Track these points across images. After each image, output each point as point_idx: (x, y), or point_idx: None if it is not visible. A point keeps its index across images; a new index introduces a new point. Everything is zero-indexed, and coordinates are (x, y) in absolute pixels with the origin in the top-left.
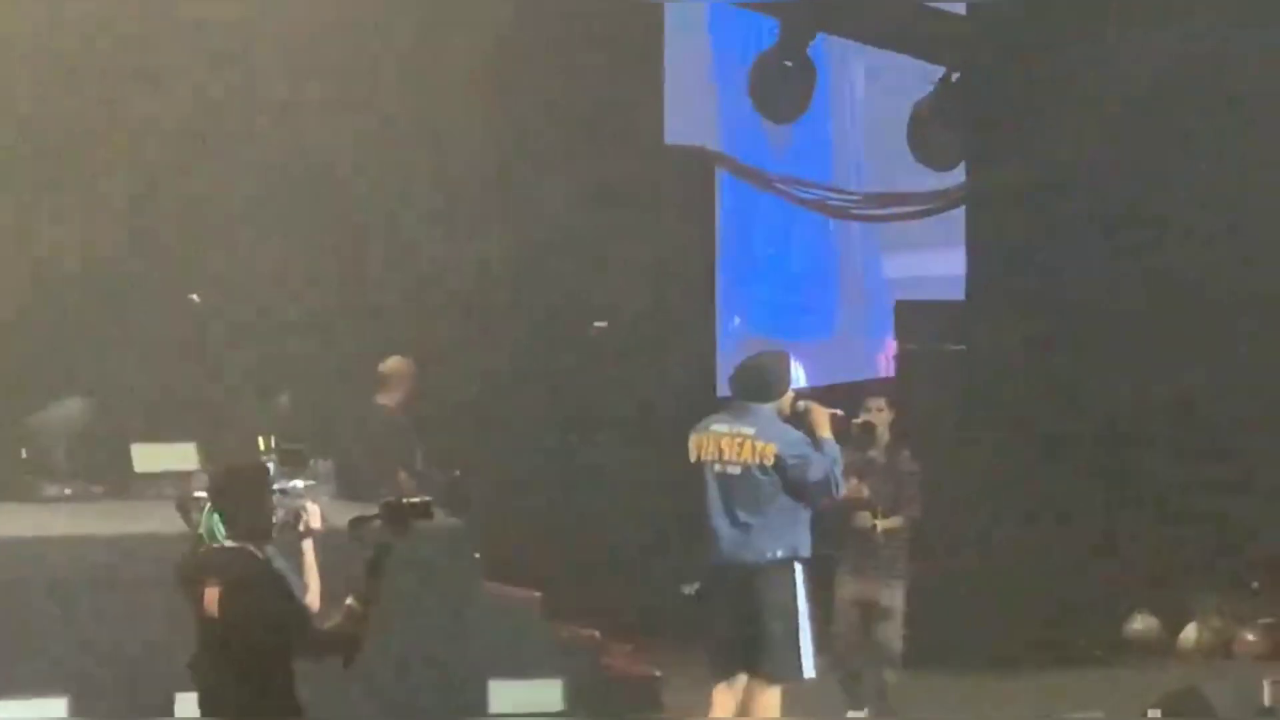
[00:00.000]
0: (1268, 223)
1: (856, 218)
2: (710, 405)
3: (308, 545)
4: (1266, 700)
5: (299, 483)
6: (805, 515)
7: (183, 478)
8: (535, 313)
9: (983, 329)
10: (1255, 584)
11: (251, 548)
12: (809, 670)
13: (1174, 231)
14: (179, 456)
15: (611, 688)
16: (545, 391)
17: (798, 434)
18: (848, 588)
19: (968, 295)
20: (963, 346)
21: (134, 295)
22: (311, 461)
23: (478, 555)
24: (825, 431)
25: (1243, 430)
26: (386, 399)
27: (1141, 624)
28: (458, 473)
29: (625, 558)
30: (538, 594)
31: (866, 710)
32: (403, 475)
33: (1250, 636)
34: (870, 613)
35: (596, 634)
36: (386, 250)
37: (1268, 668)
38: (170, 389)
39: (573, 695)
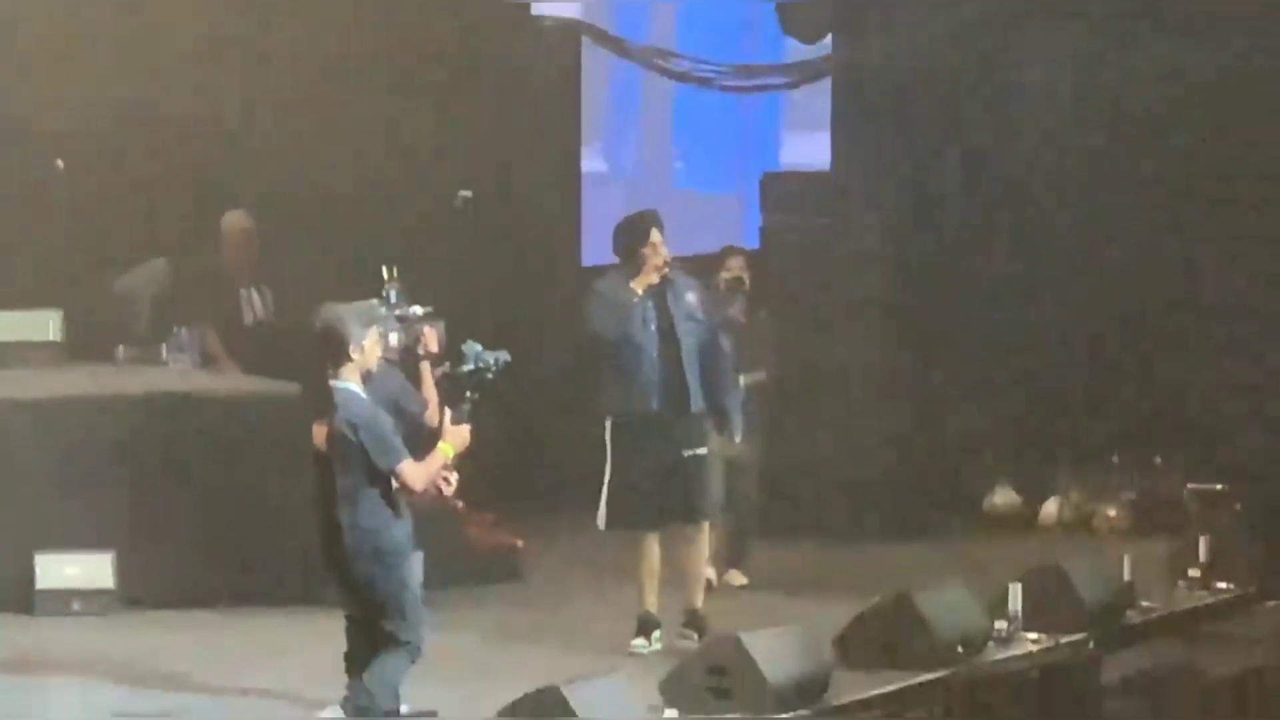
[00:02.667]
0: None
1: (724, 89)
2: (574, 273)
3: (425, 366)
4: (1127, 575)
5: (417, 309)
6: (616, 375)
7: None
8: (403, 181)
9: (848, 203)
10: (1115, 458)
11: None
12: (601, 521)
13: (1037, 106)
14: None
15: (473, 558)
16: (415, 264)
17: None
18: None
19: (834, 169)
20: (828, 220)
21: None
22: None
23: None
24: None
25: (1104, 303)
26: (228, 255)
27: (1002, 498)
28: None
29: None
30: None
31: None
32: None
33: (1111, 511)
34: (729, 469)
35: (459, 504)
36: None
37: (1128, 542)
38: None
39: (433, 566)
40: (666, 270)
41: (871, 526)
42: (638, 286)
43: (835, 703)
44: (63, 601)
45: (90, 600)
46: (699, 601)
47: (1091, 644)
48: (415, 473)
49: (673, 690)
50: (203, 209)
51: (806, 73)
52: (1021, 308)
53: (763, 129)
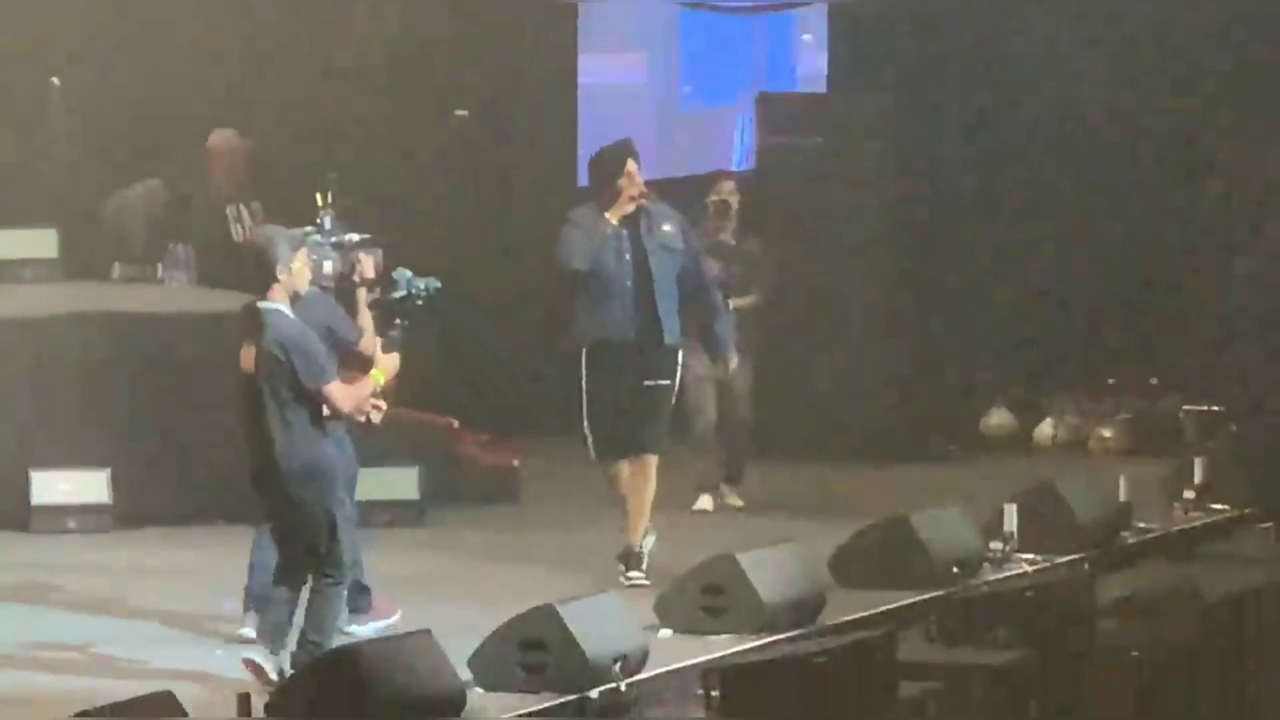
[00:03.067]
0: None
1: (717, 9)
2: (571, 194)
3: (361, 293)
4: (1122, 496)
5: (354, 235)
6: (590, 305)
7: None
8: (399, 102)
9: (843, 123)
10: (1111, 380)
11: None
12: (592, 452)
13: (1040, 26)
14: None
15: (470, 477)
16: (411, 184)
17: None
18: (697, 367)
19: (830, 89)
20: (820, 139)
21: None
22: None
23: None
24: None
25: (1103, 226)
26: (216, 173)
27: (997, 419)
28: None
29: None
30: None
31: (718, 494)
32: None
33: (1106, 433)
34: (722, 392)
35: (454, 422)
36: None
37: (1124, 463)
38: None
39: (428, 483)
40: (643, 200)
41: (867, 448)
42: (613, 217)
43: (830, 622)
44: (58, 518)
45: (86, 517)
46: (638, 537)
47: (1087, 564)
48: (343, 395)
49: (668, 609)
50: (200, 128)
51: None
52: (1019, 229)
53: (775, 48)
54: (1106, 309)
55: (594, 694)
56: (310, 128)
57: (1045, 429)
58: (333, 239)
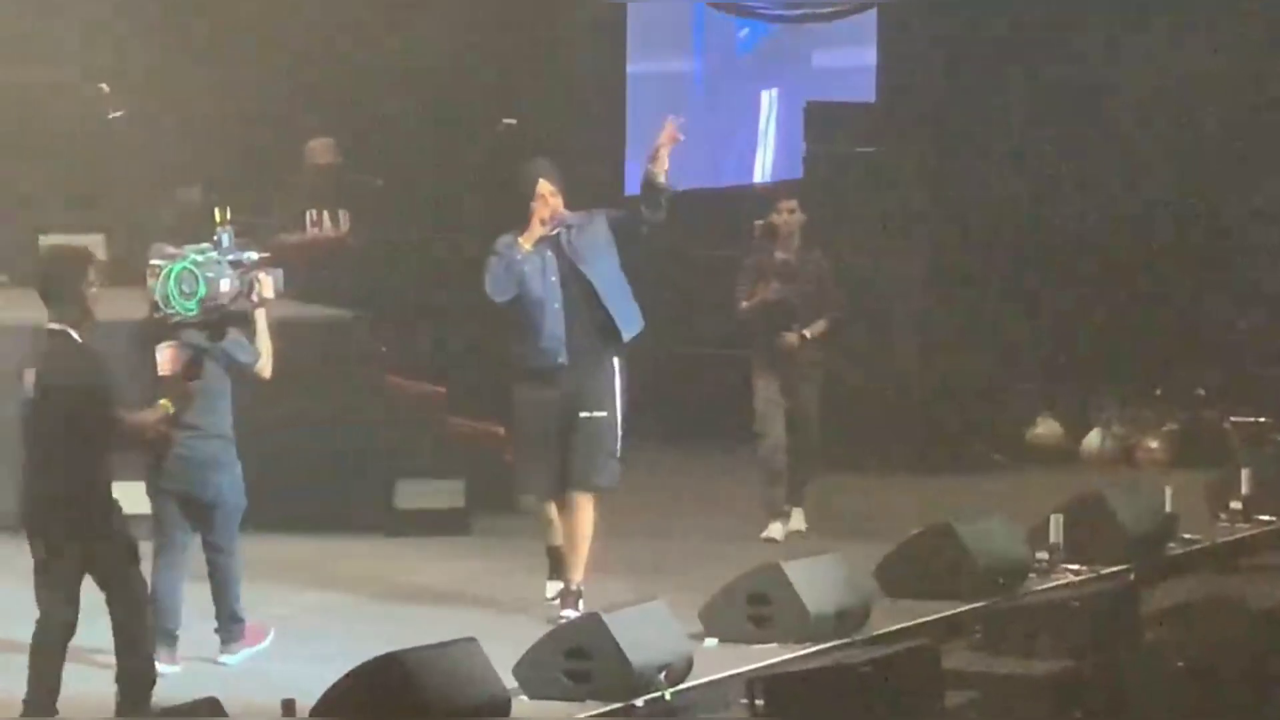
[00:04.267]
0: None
1: (763, 17)
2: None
3: (260, 314)
4: (1168, 507)
5: (252, 253)
6: (520, 332)
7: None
8: (446, 109)
9: (893, 132)
10: (1158, 390)
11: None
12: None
13: (1085, 32)
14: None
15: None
16: (457, 189)
17: None
18: (768, 390)
19: (879, 97)
20: (871, 149)
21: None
22: None
23: (384, 349)
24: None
25: (1151, 235)
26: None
27: (1044, 429)
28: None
29: None
30: (441, 389)
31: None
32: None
33: (1153, 444)
34: (790, 416)
35: (500, 430)
36: (308, 41)
37: (1170, 474)
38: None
39: (475, 493)
40: (558, 219)
41: (914, 457)
42: (525, 243)
43: (876, 632)
44: None
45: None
46: (577, 576)
47: (1132, 575)
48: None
49: (713, 618)
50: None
51: (854, 2)
52: (1067, 239)
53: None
54: (1154, 319)
55: (639, 703)
56: (355, 136)
57: (1092, 439)
58: (230, 257)
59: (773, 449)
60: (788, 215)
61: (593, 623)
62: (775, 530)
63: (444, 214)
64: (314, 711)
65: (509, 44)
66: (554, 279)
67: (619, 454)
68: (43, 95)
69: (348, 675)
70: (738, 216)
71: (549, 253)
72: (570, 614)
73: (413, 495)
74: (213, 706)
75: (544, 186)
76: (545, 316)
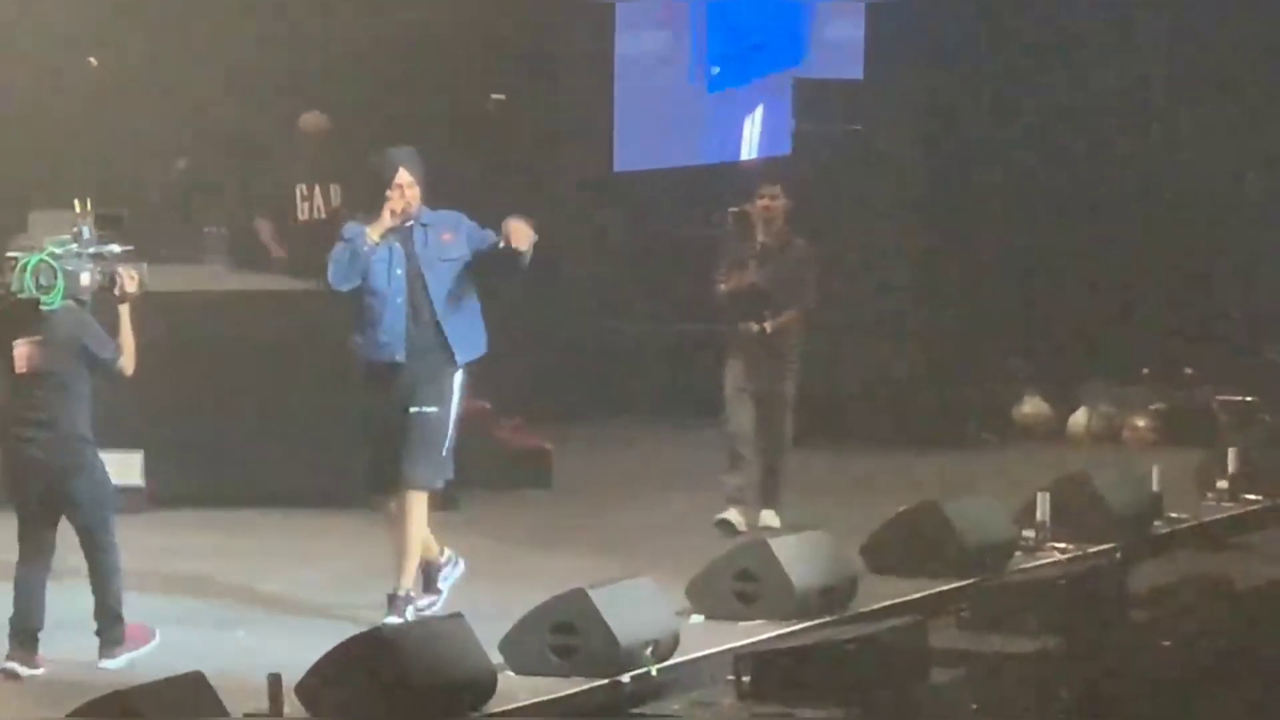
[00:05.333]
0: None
1: None
2: (606, 180)
3: (124, 309)
4: (1155, 485)
5: (115, 247)
6: (363, 324)
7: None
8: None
9: (881, 110)
10: (1145, 370)
11: None
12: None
13: (1072, 13)
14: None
15: (503, 461)
16: (450, 173)
17: None
18: (736, 378)
19: (866, 75)
20: (858, 127)
21: None
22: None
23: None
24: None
25: (1137, 215)
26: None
27: (1031, 408)
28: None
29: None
30: None
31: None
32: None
33: (1140, 423)
34: (760, 407)
35: (486, 405)
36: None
37: (1157, 453)
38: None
39: (462, 467)
40: (411, 213)
41: (901, 435)
42: (374, 233)
43: (862, 609)
44: None
45: (119, 498)
46: (406, 582)
47: (1119, 554)
48: None
49: (699, 594)
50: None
51: None
52: (1055, 218)
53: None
54: (1142, 299)
55: (625, 678)
56: (344, 113)
57: (1079, 418)
58: (91, 249)
59: (734, 437)
60: (769, 201)
61: (579, 598)
62: (732, 515)
63: (436, 197)
64: (299, 688)
65: (498, 22)
66: (400, 272)
67: (447, 451)
68: None
69: (332, 652)
70: (726, 197)
71: (398, 246)
72: (394, 620)
73: None
74: (198, 682)
75: (403, 176)
76: (386, 310)
